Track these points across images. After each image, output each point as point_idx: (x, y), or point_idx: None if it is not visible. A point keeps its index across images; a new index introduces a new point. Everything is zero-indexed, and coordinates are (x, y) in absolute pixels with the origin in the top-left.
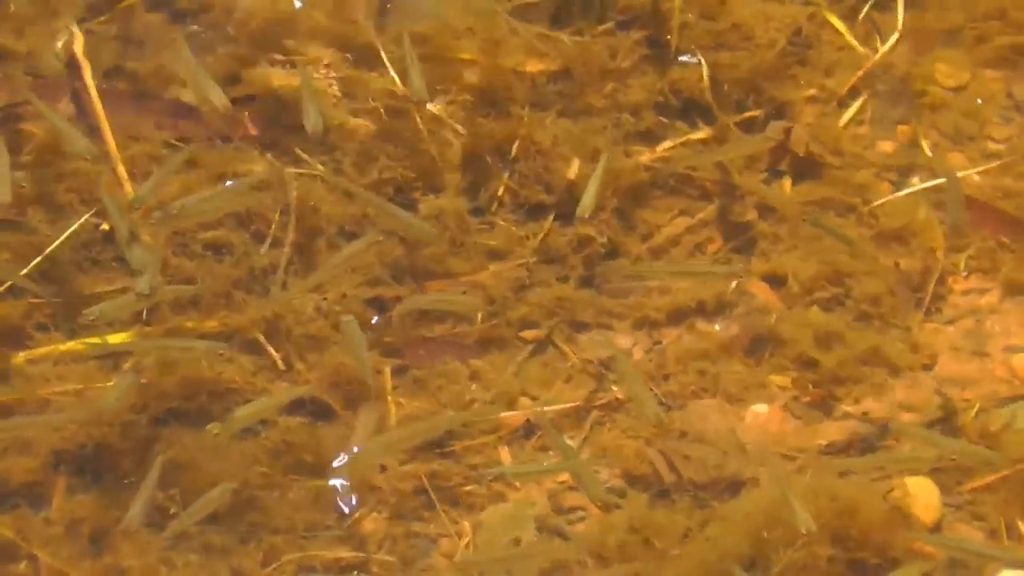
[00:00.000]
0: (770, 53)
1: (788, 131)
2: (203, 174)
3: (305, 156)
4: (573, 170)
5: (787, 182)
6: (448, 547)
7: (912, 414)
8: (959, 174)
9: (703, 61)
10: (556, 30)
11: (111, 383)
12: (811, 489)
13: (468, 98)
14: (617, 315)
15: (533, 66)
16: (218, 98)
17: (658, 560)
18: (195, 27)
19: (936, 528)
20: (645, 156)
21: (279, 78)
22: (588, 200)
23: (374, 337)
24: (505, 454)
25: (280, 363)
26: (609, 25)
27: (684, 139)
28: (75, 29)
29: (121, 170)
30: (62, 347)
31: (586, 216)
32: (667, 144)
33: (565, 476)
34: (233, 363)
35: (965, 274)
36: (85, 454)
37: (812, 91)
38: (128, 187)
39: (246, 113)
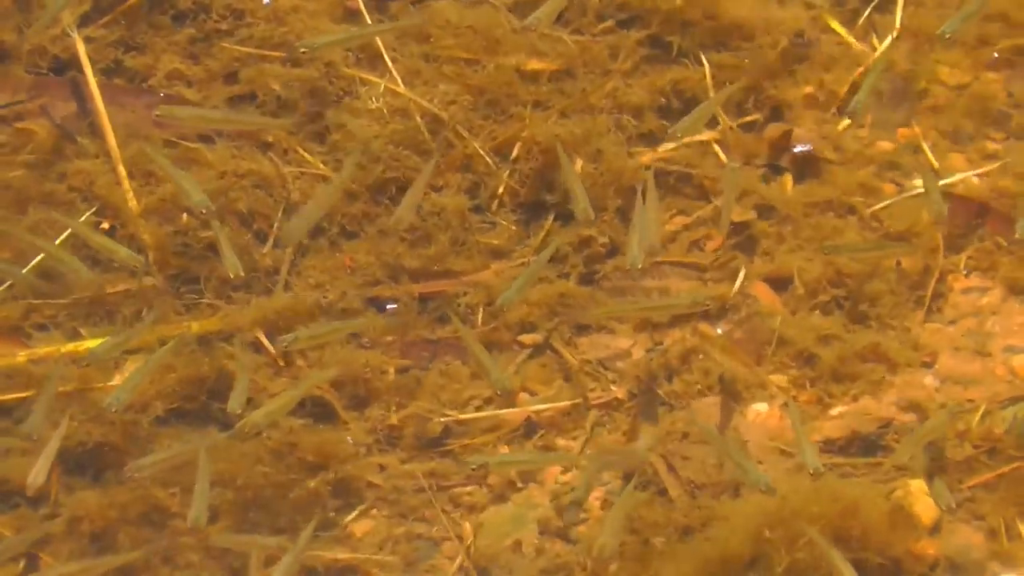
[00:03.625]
0: (772, 54)
1: (789, 132)
2: (203, 174)
3: (307, 156)
4: (576, 168)
5: (788, 181)
6: (450, 549)
7: (912, 414)
8: (959, 175)
9: (706, 62)
10: (557, 29)
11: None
12: (813, 489)
13: (469, 97)
14: (617, 316)
15: (534, 65)
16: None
17: (658, 560)
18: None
19: (936, 528)
20: (646, 156)
21: (279, 77)
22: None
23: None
24: (505, 452)
25: (280, 361)
26: (609, 23)
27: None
28: (75, 33)
29: (121, 169)
30: (63, 347)
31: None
32: (669, 145)
33: (567, 477)
34: (233, 361)
35: (965, 272)
36: (85, 452)
37: (810, 89)
38: (127, 185)
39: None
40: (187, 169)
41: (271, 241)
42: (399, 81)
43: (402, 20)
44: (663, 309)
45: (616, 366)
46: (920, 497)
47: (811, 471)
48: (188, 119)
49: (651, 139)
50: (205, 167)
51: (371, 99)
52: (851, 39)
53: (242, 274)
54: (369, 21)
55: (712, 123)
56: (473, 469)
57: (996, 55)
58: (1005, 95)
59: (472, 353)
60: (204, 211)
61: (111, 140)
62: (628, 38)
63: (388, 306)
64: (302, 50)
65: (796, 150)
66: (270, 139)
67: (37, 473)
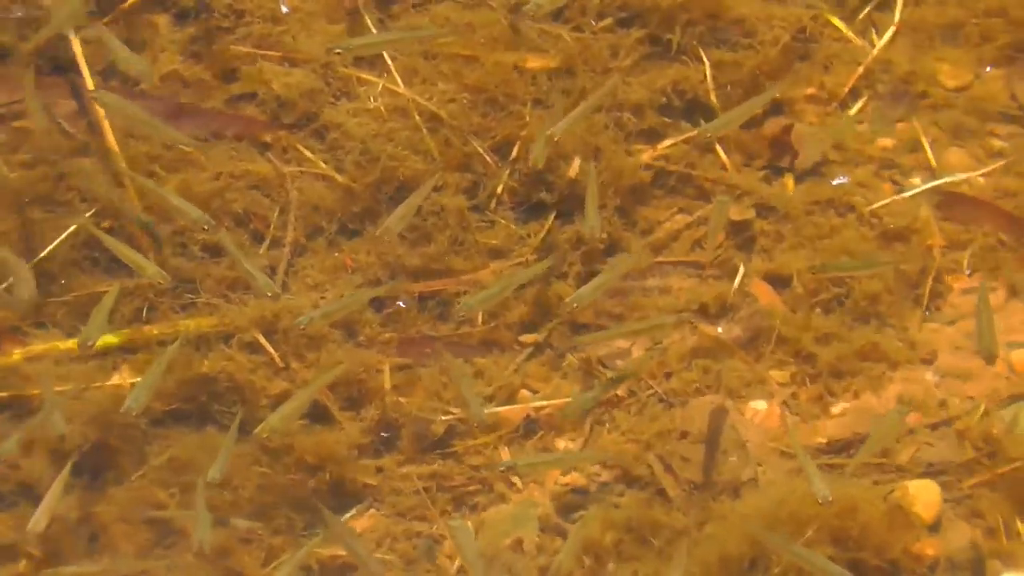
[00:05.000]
0: (773, 52)
1: (788, 127)
2: (203, 173)
3: (308, 154)
4: (574, 168)
5: (789, 182)
6: (450, 548)
7: (912, 412)
8: (961, 176)
9: (706, 60)
10: (557, 27)
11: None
12: (810, 490)
13: (468, 96)
14: (616, 316)
15: (534, 63)
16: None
17: (656, 560)
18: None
19: (936, 527)
20: (646, 154)
21: (278, 76)
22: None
23: (376, 333)
24: (505, 455)
25: (279, 361)
26: (609, 21)
27: (685, 136)
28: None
29: (122, 168)
30: (62, 346)
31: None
32: (668, 142)
33: (568, 478)
34: (232, 362)
35: (968, 272)
36: (84, 453)
37: (812, 89)
38: (127, 184)
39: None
40: (183, 171)
41: (267, 241)
42: (398, 80)
43: (433, 28)
44: (648, 331)
45: (616, 365)
46: (919, 497)
47: (819, 500)
48: (119, 111)
49: (651, 136)
50: (200, 168)
51: (370, 98)
52: (851, 35)
53: (278, 292)
54: (370, 23)
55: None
56: (501, 471)
57: (989, 68)
58: (1007, 93)
59: (454, 381)
60: (206, 227)
61: (110, 140)
62: (628, 36)
63: (400, 303)
64: (336, 51)
65: (835, 183)
66: (268, 139)
67: (37, 520)
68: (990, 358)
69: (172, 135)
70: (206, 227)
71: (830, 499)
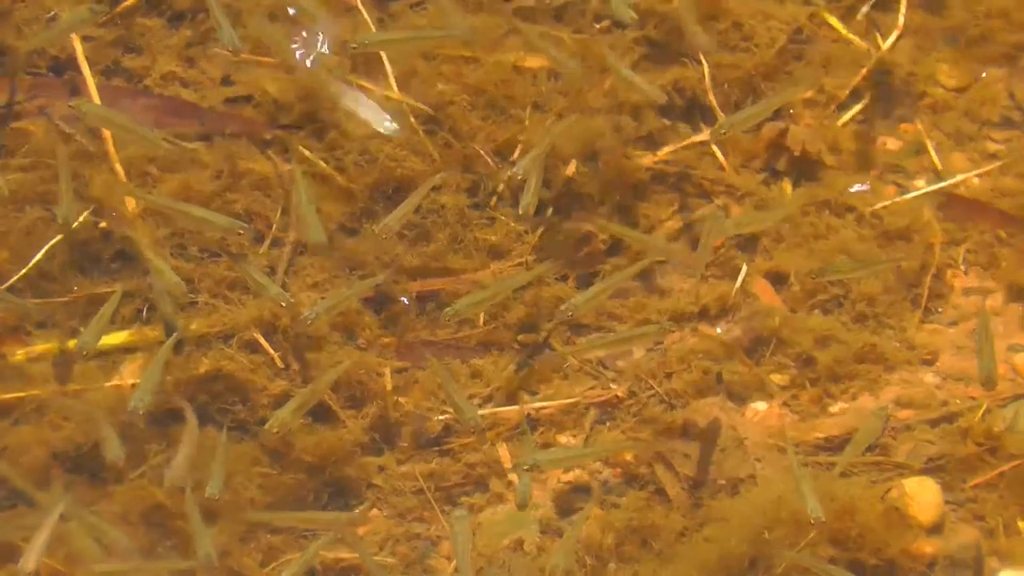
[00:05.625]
0: (770, 52)
1: (785, 131)
2: (203, 172)
3: (308, 154)
4: (571, 168)
5: (787, 186)
6: (448, 548)
7: (911, 411)
8: (959, 177)
9: (705, 61)
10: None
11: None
12: (810, 489)
13: (467, 97)
14: (617, 317)
15: (533, 62)
16: None
17: (656, 560)
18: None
19: (937, 528)
20: (646, 159)
21: (274, 80)
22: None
23: (376, 335)
24: (504, 452)
25: (279, 361)
26: (608, 22)
27: (686, 142)
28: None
29: (119, 168)
30: (62, 345)
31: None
32: (668, 148)
33: (568, 477)
34: (232, 362)
35: (964, 269)
36: (82, 453)
37: (810, 92)
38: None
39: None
40: (184, 170)
41: (268, 241)
42: (394, 85)
43: (452, 29)
44: (632, 340)
45: (616, 365)
46: (918, 497)
47: (812, 520)
48: (94, 117)
49: (650, 140)
50: (201, 167)
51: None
52: (851, 36)
53: (292, 301)
54: (368, 20)
55: (710, 121)
56: (526, 469)
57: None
58: (1006, 94)
59: (444, 388)
60: (240, 231)
61: (109, 139)
62: (625, 36)
63: (403, 299)
64: (352, 46)
65: (853, 189)
66: (268, 136)
67: (26, 560)
68: (989, 383)
69: (156, 140)
70: (241, 231)
71: (823, 519)
